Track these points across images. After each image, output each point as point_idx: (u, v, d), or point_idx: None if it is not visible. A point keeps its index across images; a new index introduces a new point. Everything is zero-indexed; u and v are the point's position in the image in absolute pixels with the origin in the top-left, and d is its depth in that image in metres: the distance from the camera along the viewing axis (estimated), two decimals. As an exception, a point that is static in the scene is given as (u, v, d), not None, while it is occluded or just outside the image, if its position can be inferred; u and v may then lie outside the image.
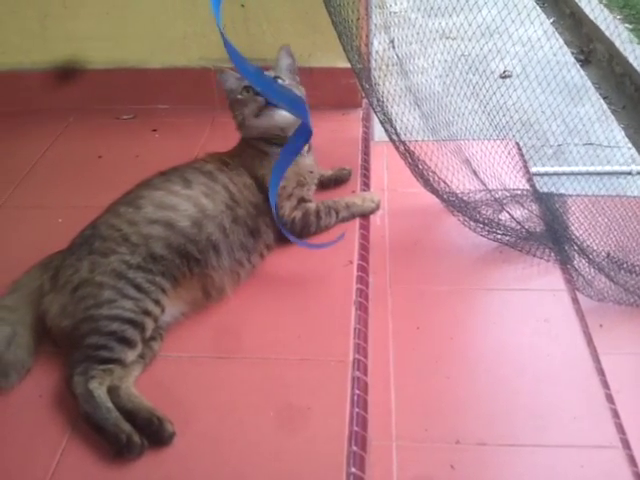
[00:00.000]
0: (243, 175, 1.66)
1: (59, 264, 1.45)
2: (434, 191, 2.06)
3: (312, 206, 1.71)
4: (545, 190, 2.61)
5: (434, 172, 2.00)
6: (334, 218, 1.74)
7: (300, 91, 1.75)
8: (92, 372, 1.27)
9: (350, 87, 2.19)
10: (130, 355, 1.32)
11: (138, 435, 1.21)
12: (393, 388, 1.59)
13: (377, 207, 1.82)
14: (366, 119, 2.19)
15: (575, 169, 3.24)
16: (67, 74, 2.30)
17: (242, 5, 2.07)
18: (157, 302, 1.40)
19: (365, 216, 1.80)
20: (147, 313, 1.37)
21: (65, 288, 1.39)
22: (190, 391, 1.34)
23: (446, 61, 4.38)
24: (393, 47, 2.44)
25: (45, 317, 1.40)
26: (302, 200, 1.70)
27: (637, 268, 2.12)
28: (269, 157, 1.68)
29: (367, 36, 2.48)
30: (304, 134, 1.58)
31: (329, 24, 1.94)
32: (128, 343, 1.32)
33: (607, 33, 4.57)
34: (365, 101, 2.24)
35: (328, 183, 1.89)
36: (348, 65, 2.16)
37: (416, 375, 1.63)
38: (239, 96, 1.70)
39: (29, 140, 2.25)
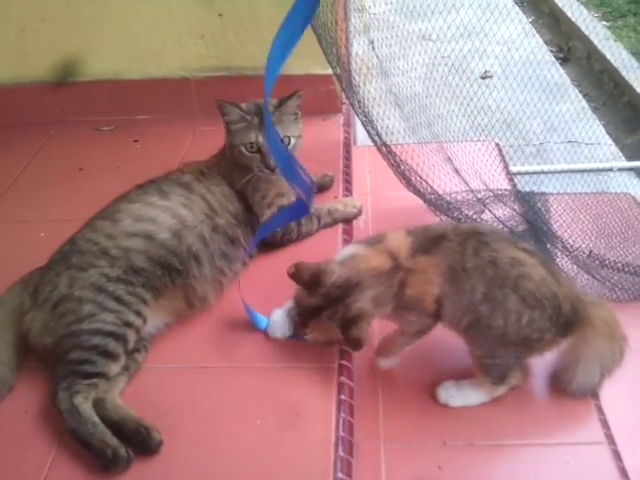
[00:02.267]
0: (221, 184, 1.68)
1: (38, 281, 1.45)
2: (417, 192, 2.07)
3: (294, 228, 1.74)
4: (526, 189, 2.63)
5: (416, 173, 2.01)
6: (316, 225, 1.76)
7: (298, 126, 1.78)
8: (76, 387, 1.28)
9: (330, 93, 2.21)
10: (114, 368, 1.33)
11: (124, 448, 1.22)
12: (380, 391, 1.60)
13: (359, 212, 1.84)
14: (347, 124, 2.20)
15: (556, 167, 3.27)
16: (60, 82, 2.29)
17: (220, 15, 2.08)
18: (138, 313, 1.40)
19: (348, 221, 1.81)
20: (128, 325, 1.37)
21: (45, 305, 1.40)
22: (176, 402, 1.35)
23: (426, 63, 4.41)
24: (373, 48, 2.46)
25: (28, 335, 1.40)
26: (275, 201, 1.73)
27: (619, 264, 2.14)
28: (248, 170, 1.69)
29: (346, 39, 2.49)
30: (299, 211, 1.62)
31: (307, 32, 1.95)
32: (111, 356, 1.33)
33: (585, 31, 4.61)
34: (345, 107, 2.26)
35: None
36: (327, 72, 2.18)
37: (402, 377, 1.64)
38: (243, 150, 1.67)
39: (10, 154, 2.25)
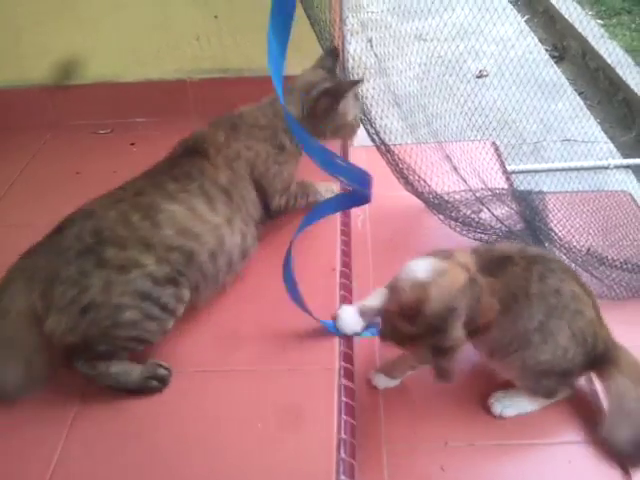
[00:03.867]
0: (249, 185, 1.64)
1: (50, 276, 1.28)
2: (415, 191, 2.07)
3: (292, 190, 1.75)
4: (523, 188, 2.63)
5: (414, 172, 2.01)
6: (305, 200, 1.79)
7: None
8: (99, 365, 1.32)
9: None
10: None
11: (161, 367, 1.37)
12: (381, 392, 1.60)
13: None
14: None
15: (553, 166, 3.27)
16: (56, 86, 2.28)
17: (215, 16, 2.08)
18: (177, 317, 1.38)
19: None
20: (165, 332, 1.36)
21: (70, 309, 1.26)
22: (177, 405, 1.35)
23: (422, 62, 4.42)
24: (371, 47, 2.46)
25: (51, 339, 1.28)
26: (285, 191, 1.74)
27: (618, 262, 2.14)
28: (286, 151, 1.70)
29: (343, 37, 2.50)
30: (359, 200, 1.56)
31: (302, 33, 1.94)
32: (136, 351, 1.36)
33: (580, 29, 4.62)
34: (342, 107, 2.25)
35: None
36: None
37: (404, 381, 1.64)
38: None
39: (6, 158, 2.24)
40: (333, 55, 1.80)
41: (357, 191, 1.50)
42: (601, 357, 1.44)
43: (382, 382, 1.55)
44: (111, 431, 1.30)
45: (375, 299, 1.50)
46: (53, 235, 1.36)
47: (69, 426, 1.31)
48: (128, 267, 1.27)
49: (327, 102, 1.66)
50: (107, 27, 2.21)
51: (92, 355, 1.30)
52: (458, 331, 1.25)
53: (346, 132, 1.82)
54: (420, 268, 1.28)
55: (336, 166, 1.44)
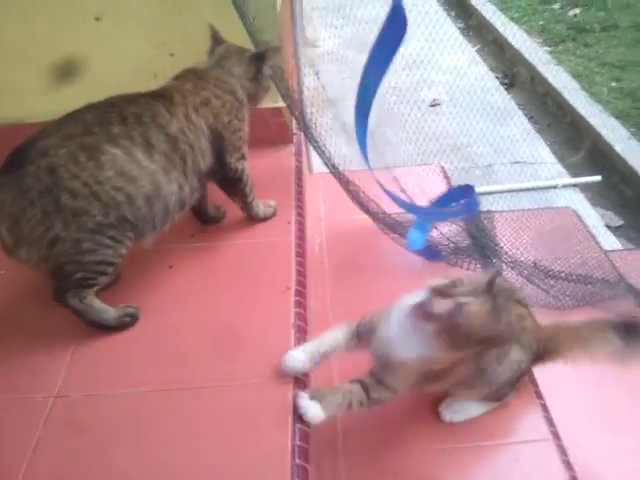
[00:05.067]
0: (202, 136, 1.71)
1: (16, 213, 1.46)
2: (367, 212, 2.17)
3: (247, 167, 1.87)
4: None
5: (366, 195, 2.11)
6: (252, 195, 1.92)
7: None
8: (83, 293, 1.56)
9: (281, 125, 2.30)
10: (105, 280, 1.61)
11: (131, 307, 1.66)
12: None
13: (275, 212, 1.99)
14: (298, 153, 2.30)
15: (504, 187, 3.41)
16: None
17: (171, 54, 2.17)
18: (127, 247, 1.58)
19: (266, 219, 1.97)
20: (121, 256, 1.58)
21: (40, 243, 1.48)
22: (137, 424, 1.40)
23: (378, 94, 4.57)
24: (318, 78, 2.57)
25: (26, 265, 1.54)
26: (243, 157, 1.85)
27: (562, 274, 2.26)
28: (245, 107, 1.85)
29: (298, 73, 2.60)
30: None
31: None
32: (107, 275, 1.60)
33: (528, 57, 4.83)
34: (296, 137, 2.35)
35: (208, 220, 1.99)
36: (277, 105, 2.27)
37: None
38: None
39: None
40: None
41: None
42: (544, 350, 1.57)
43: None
44: (74, 451, 1.35)
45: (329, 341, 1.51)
46: (11, 169, 1.49)
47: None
48: (80, 213, 1.48)
49: (256, 65, 1.85)
50: (68, 64, 2.26)
51: (75, 284, 1.54)
52: None
53: (265, 95, 1.97)
54: None
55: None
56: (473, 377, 1.49)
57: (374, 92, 1.46)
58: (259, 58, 1.85)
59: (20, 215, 1.46)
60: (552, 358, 1.60)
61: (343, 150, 2.46)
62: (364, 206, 2.17)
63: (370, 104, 1.60)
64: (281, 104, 2.26)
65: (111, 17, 2.16)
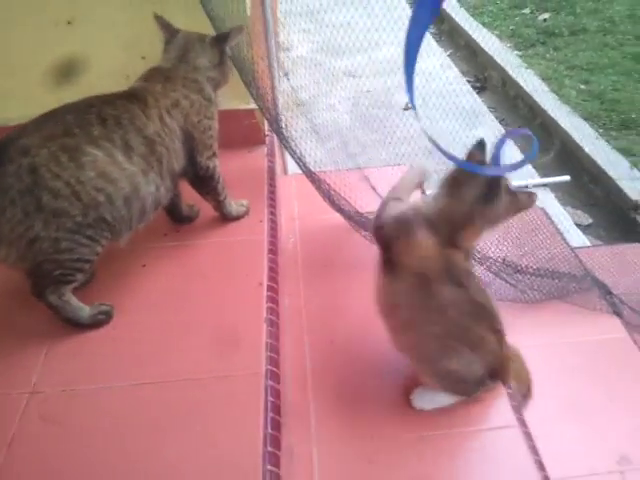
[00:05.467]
0: (176, 138, 1.74)
1: None
2: (340, 210, 2.21)
3: (218, 164, 1.89)
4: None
5: (336, 193, 2.15)
6: (224, 194, 1.95)
7: None
8: (61, 290, 1.59)
9: (253, 126, 2.33)
10: (82, 277, 1.64)
11: (105, 305, 1.67)
12: (311, 396, 1.70)
13: (247, 211, 2.02)
14: (270, 154, 2.33)
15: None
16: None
17: (143, 57, 2.19)
18: (103, 245, 1.61)
19: (239, 218, 2.00)
20: (97, 254, 1.61)
21: (19, 242, 1.50)
22: (108, 420, 1.42)
23: (351, 97, 4.63)
24: (287, 79, 2.62)
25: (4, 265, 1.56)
26: (214, 155, 1.87)
27: (531, 269, 2.32)
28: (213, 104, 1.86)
29: (271, 76, 2.64)
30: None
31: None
32: (84, 272, 1.62)
33: (499, 61, 4.93)
34: (269, 138, 2.39)
35: (182, 219, 2.01)
36: (249, 106, 2.31)
37: (332, 382, 1.75)
38: None
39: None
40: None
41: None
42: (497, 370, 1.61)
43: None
44: (50, 446, 1.37)
45: None
46: None
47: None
48: (60, 213, 1.50)
49: (219, 49, 1.87)
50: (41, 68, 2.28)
51: (53, 280, 1.56)
52: None
53: (230, 75, 1.98)
54: None
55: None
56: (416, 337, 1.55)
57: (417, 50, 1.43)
58: (222, 40, 1.87)
59: (1, 214, 1.47)
60: (503, 380, 1.66)
61: (317, 153, 2.51)
62: (335, 204, 2.21)
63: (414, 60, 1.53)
64: (253, 106, 2.30)
65: (83, 21, 2.18)
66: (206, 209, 1.98)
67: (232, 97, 2.28)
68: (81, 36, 2.19)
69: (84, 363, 1.56)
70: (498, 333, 1.57)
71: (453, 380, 1.58)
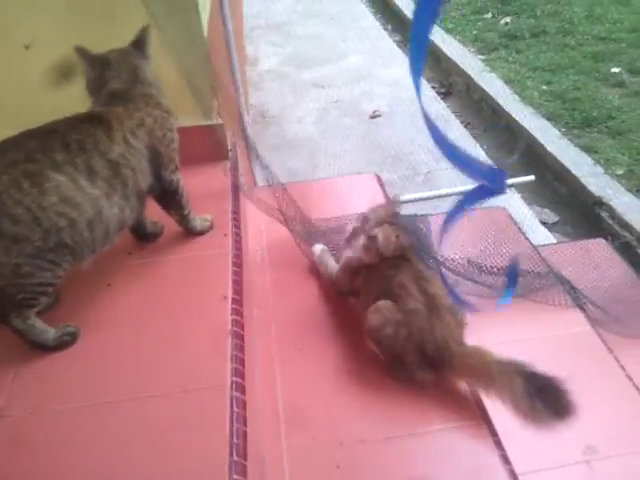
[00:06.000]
0: (142, 157, 1.75)
1: None
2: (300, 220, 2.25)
3: (181, 177, 1.91)
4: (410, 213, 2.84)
5: (298, 208, 2.19)
6: (188, 208, 1.97)
7: None
8: (26, 314, 1.61)
9: (216, 142, 2.36)
10: (45, 300, 1.65)
11: (71, 326, 1.69)
12: (281, 405, 1.73)
13: (212, 226, 2.04)
14: (234, 169, 2.36)
15: (443, 192, 3.52)
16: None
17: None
18: (65, 269, 1.62)
19: (203, 233, 2.02)
20: (59, 277, 1.62)
21: None
22: (78, 439, 1.43)
23: (320, 108, 4.69)
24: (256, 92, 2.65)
25: None
26: (177, 167, 1.89)
27: (495, 269, 2.36)
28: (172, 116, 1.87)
29: (237, 91, 2.67)
30: (492, 191, 1.44)
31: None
32: (48, 295, 1.64)
33: (463, 66, 5.01)
34: (232, 153, 2.42)
35: (146, 236, 2.01)
36: (212, 122, 2.34)
37: (302, 389, 1.78)
38: None
39: None
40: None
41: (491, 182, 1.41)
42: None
43: None
44: (20, 468, 1.38)
45: None
46: None
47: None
48: (20, 240, 1.51)
49: (145, 53, 1.88)
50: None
51: (17, 304, 1.58)
52: None
53: None
54: None
55: (465, 161, 1.40)
56: None
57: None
58: (141, 46, 1.87)
59: None
60: (456, 375, 1.73)
61: (287, 164, 2.56)
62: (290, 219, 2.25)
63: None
64: (215, 121, 2.33)
65: (41, 45, 2.19)
66: (170, 225, 2.00)
67: (193, 113, 2.32)
68: (39, 60, 2.20)
69: (52, 384, 1.57)
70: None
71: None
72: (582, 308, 2.33)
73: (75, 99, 2.06)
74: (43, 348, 1.64)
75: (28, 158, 1.55)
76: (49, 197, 1.53)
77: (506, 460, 1.57)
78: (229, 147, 2.42)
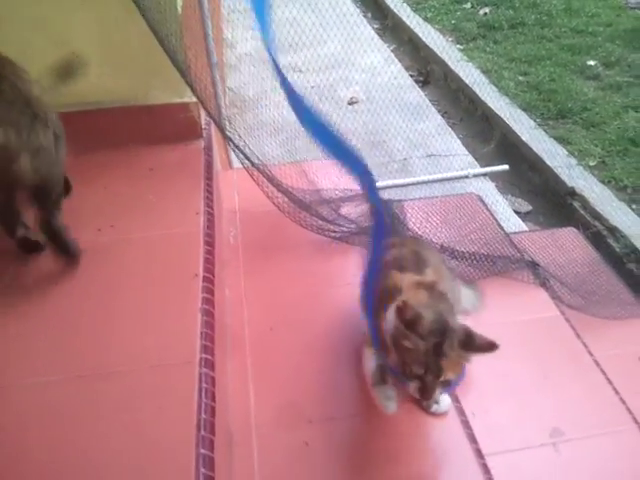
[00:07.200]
0: None
1: None
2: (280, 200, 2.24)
3: None
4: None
5: (277, 184, 2.19)
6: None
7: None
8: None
9: (189, 120, 2.32)
10: None
11: None
12: (251, 384, 1.73)
13: None
14: (208, 148, 2.33)
15: (419, 179, 3.54)
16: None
17: (75, 54, 2.18)
18: None
19: None
20: None
21: None
22: (42, 414, 1.41)
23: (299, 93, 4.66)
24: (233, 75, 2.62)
25: None
26: None
27: (466, 255, 2.38)
28: None
29: (212, 72, 2.64)
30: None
31: (162, 63, 2.07)
32: None
33: (441, 55, 5.02)
34: (206, 132, 2.39)
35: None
36: (185, 100, 2.31)
37: (272, 369, 1.78)
38: None
39: None
40: None
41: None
42: None
43: None
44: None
45: None
46: None
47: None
48: None
49: None
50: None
51: (55, 202, 1.65)
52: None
53: None
54: None
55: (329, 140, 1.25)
56: None
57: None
58: None
59: None
60: None
61: (263, 147, 2.53)
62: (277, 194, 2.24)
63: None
64: (187, 99, 2.30)
65: (11, 20, 2.15)
66: (138, 203, 1.97)
67: (166, 91, 2.28)
68: (9, 35, 2.16)
69: (16, 358, 1.55)
70: None
71: None
72: (546, 285, 2.35)
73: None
74: (69, 250, 1.72)
75: None
76: None
77: (472, 439, 1.59)
78: (203, 125, 2.39)
